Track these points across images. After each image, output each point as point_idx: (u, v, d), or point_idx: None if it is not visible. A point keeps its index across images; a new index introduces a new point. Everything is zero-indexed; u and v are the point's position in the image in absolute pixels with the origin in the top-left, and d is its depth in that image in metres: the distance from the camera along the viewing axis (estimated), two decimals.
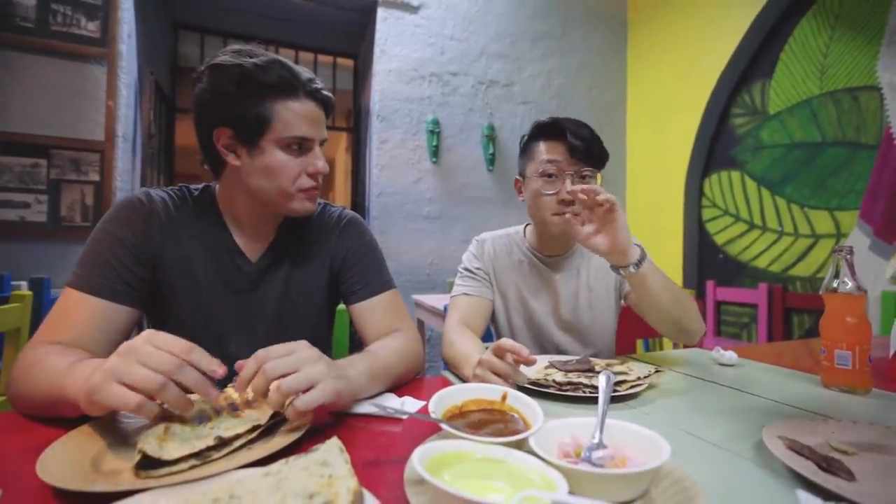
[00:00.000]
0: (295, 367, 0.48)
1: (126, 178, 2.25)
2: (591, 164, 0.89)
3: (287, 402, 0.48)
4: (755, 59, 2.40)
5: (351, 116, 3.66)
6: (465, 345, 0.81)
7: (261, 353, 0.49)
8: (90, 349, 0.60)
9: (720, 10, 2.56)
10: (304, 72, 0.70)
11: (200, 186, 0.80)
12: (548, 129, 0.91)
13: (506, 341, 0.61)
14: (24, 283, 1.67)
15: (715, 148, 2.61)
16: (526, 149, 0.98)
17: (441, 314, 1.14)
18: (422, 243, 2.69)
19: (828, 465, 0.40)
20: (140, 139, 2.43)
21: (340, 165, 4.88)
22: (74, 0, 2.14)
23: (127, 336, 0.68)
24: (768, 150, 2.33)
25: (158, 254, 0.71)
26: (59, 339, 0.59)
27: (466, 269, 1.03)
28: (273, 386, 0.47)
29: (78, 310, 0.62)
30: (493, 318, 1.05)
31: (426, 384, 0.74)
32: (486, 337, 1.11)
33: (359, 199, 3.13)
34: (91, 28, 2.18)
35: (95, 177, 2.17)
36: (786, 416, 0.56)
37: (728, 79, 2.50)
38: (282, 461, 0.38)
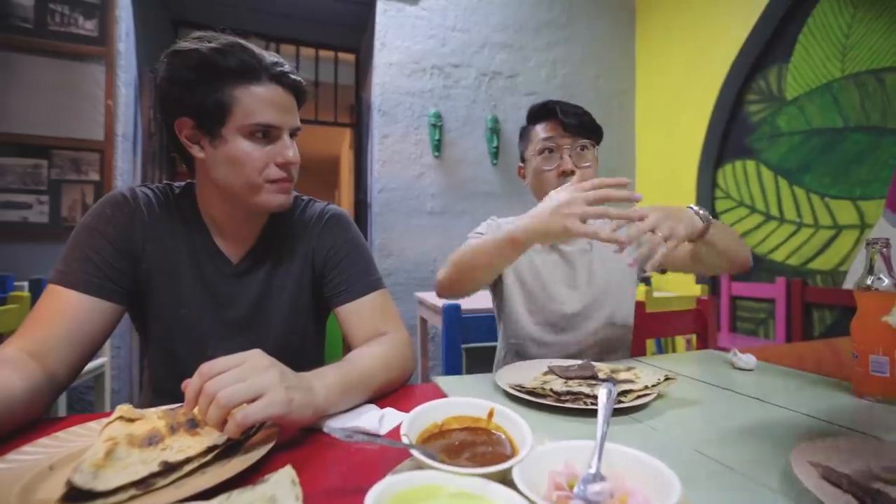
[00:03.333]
0: (240, 380, 0.43)
1: (126, 178, 2.23)
2: (585, 135, 0.93)
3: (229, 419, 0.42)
4: (771, 42, 2.28)
5: (353, 112, 3.61)
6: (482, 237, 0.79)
7: (204, 367, 0.43)
8: (63, 344, 0.59)
9: None
10: (270, 55, 0.66)
11: (183, 184, 0.76)
12: (540, 111, 0.96)
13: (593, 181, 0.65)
14: (26, 284, 1.67)
15: (728, 137, 2.49)
16: (524, 134, 1.01)
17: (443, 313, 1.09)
18: (425, 239, 2.63)
19: (872, 501, 0.33)
20: (140, 138, 2.41)
21: (345, 162, 4.84)
22: None
23: (108, 333, 0.65)
24: (786, 137, 2.22)
25: (140, 252, 0.68)
26: (31, 338, 0.57)
27: (480, 234, 1.01)
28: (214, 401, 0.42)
29: (55, 306, 0.60)
30: (502, 296, 1.02)
31: (416, 393, 0.68)
32: (489, 322, 1.07)
33: (361, 195, 3.08)
34: (89, 27, 2.16)
35: (96, 176, 2.15)
36: (816, 433, 0.50)
37: (742, 64, 2.38)
38: (224, 495, 0.33)
